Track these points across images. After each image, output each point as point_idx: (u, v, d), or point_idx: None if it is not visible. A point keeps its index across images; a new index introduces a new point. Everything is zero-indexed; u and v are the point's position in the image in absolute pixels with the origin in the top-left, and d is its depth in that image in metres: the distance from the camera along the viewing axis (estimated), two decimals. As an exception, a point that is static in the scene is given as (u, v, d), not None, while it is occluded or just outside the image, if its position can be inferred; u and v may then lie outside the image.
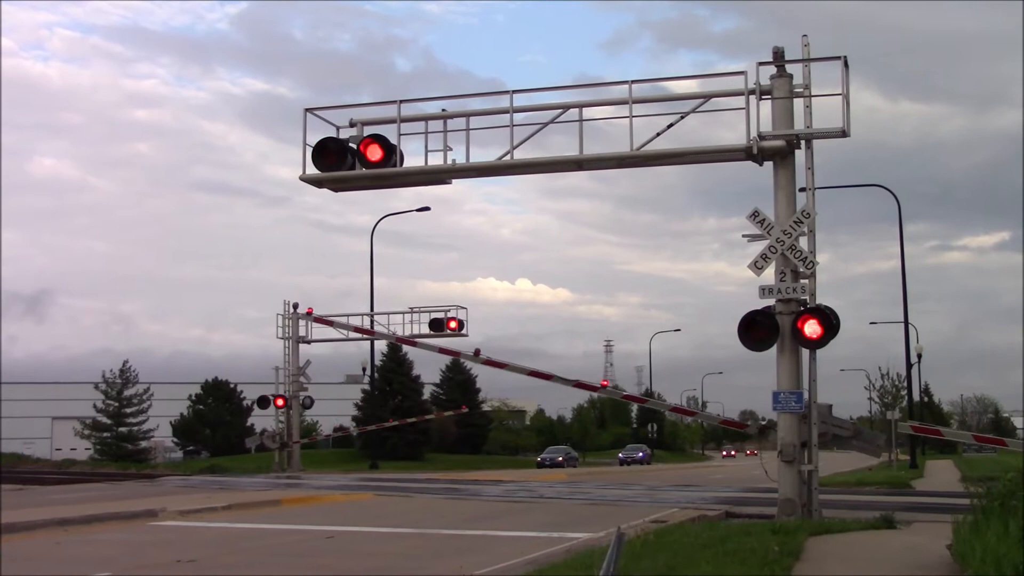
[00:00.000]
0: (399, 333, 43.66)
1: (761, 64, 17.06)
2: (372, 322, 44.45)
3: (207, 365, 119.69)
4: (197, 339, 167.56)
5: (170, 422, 66.11)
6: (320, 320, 41.30)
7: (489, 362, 47.07)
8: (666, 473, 50.38)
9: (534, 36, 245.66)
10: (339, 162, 19.18)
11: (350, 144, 19.28)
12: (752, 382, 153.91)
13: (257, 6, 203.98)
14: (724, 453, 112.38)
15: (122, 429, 65.47)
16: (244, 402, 65.68)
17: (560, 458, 60.09)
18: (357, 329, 42.03)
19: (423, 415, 62.87)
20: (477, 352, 44.78)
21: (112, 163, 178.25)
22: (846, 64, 16.75)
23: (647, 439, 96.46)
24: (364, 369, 56.38)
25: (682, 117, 17.98)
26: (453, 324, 40.96)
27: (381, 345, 57.30)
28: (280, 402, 42.14)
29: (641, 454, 72.85)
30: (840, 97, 16.70)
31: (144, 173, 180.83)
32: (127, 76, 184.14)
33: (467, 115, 19.37)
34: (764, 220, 16.74)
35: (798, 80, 16.92)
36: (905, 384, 53.25)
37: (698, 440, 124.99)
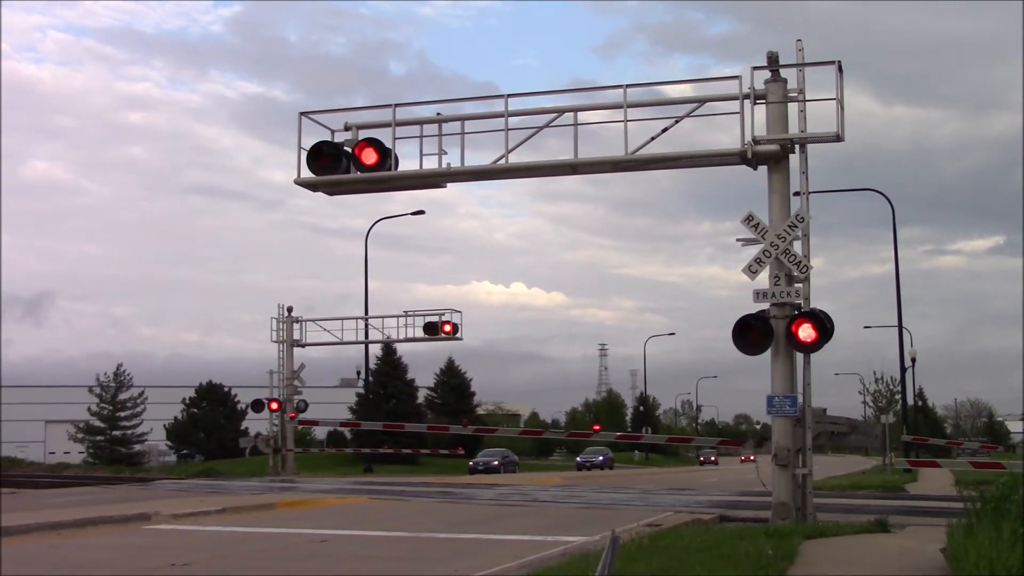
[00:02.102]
0: (393, 337, 43.83)
1: (755, 68, 17.07)
2: (367, 326, 44.52)
3: (205, 369, 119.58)
4: (195, 343, 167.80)
5: (164, 425, 66.04)
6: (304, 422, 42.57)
7: (480, 430, 47.96)
8: (660, 477, 50.41)
9: (528, 40, 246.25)
10: (334, 166, 19.17)
11: (345, 148, 19.27)
12: (747, 386, 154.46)
13: (251, 9, 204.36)
14: (701, 459, 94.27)
15: (116, 433, 65.48)
16: (239, 406, 65.61)
17: (495, 462, 53.87)
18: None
19: (418, 418, 62.81)
20: (466, 423, 46.43)
21: (105, 166, 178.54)
22: (840, 68, 16.77)
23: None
24: (358, 373, 56.39)
25: (677, 121, 17.98)
26: (448, 328, 40.97)
27: (376, 348, 57.29)
28: (274, 406, 42.12)
29: (601, 458, 67.50)
30: (834, 101, 16.70)
31: (138, 176, 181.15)
32: (120, 79, 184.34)
33: (462, 119, 19.37)
34: (758, 224, 16.76)
35: (792, 84, 16.95)
36: (899, 388, 53.40)
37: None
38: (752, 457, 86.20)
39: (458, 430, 45.26)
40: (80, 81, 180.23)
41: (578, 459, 69.19)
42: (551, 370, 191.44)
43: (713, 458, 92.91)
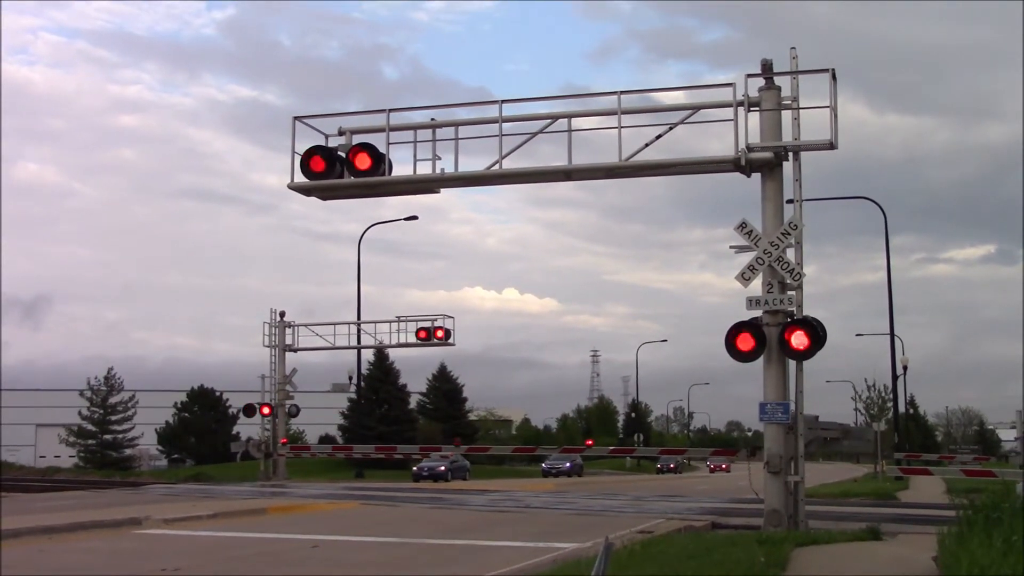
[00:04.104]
0: (386, 342, 43.78)
1: (749, 76, 17.14)
2: (359, 331, 44.45)
3: (200, 373, 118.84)
4: (190, 347, 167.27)
5: (155, 430, 65.82)
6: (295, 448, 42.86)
7: (472, 449, 48.02)
8: (651, 483, 50.42)
9: (521, 45, 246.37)
10: (328, 170, 19.17)
11: (339, 152, 19.28)
12: (740, 393, 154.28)
13: (244, 12, 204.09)
14: (659, 467, 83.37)
15: (107, 437, 65.29)
16: (230, 410, 65.47)
17: (442, 467, 49.78)
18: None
19: (410, 422, 62.67)
20: (457, 443, 46.31)
21: (97, 169, 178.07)
22: (834, 76, 16.85)
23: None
24: (350, 378, 56.29)
25: (671, 128, 18.03)
26: (440, 333, 40.96)
27: (368, 353, 57.19)
28: (266, 410, 41.96)
29: (568, 464, 61.74)
30: (828, 109, 16.79)
31: (129, 180, 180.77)
32: (112, 82, 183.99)
33: (456, 124, 19.40)
34: (752, 231, 16.80)
35: (786, 92, 17.00)
36: (891, 396, 53.48)
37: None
38: (725, 467, 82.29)
39: (450, 451, 45.15)
40: (72, 83, 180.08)
41: (544, 465, 63.79)
42: (545, 376, 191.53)
43: (672, 465, 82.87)
